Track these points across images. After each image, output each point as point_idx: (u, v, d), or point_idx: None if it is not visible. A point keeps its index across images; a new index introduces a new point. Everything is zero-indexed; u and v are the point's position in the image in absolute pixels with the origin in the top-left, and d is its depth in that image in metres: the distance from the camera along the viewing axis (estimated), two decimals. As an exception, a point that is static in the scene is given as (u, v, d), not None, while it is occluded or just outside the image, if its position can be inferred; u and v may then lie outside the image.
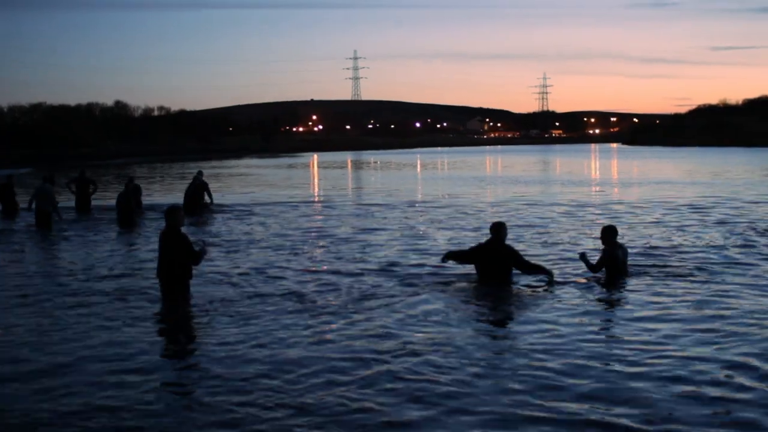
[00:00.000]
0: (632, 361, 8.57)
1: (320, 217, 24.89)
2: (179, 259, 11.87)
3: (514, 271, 13.26)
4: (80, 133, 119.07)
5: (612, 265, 13.24)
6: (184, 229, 12.19)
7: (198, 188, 27.04)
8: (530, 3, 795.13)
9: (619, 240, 13.65)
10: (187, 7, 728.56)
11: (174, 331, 10.63)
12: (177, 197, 29.23)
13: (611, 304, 11.77)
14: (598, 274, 13.32)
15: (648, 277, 13.42)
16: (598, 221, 21.91)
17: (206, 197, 27.09)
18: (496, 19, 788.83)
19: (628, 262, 13.83)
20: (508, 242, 13.51)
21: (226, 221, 23.95)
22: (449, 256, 13.71)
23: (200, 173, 27.95)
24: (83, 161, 79.09)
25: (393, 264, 15.43)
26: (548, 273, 13.25)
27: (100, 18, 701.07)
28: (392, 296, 12.31)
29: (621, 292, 12.40)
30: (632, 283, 12.95)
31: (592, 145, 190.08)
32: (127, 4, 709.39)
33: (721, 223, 21.19)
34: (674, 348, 9.05)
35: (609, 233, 13.32)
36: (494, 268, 13.07)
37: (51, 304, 12.03)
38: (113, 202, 24.97)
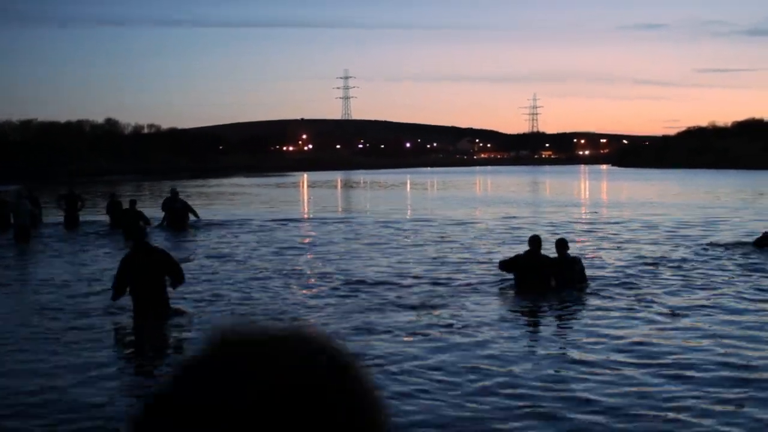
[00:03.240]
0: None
1: (309, 235, 24.86)
2: (162, 276, 11.94)
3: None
4: (71, 150, 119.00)
5: (560, 275, 14.01)
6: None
7: (184, 205, 27.18)
8: (520, 25, 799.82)
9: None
10: (177, 25, 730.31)
11: (150, 347, 10.64)
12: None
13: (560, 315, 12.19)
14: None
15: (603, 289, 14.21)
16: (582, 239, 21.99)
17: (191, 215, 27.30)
18: (486, 41, 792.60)
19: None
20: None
21: (211, 239, 24.00)
22: (502, 265, 14.47)
23: (174, 190, 28.02)
24: (72, 178, 78.98)
25: (375, 279, 15.50)
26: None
27: (91, 34, 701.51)
28: (368, 309, 12.37)
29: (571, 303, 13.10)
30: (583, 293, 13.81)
31: (582, 167, 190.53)
32: (118, 20, 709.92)
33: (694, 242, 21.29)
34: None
35: (559, 245, 14.29)
36: (533, 278, 13.78)
37: (37, 319, 11.96)
38: (100, 218, 25.02)
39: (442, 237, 24.04)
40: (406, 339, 10.52)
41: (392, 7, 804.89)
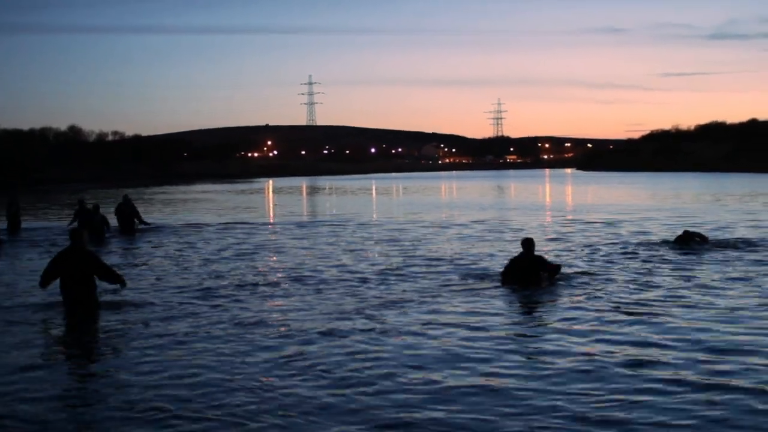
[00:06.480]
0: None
1: (269, 239, 24.64)
2: (89, 276, 12.51)
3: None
4: (34, 158, 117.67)
5: (522, 271, 14.74)
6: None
7: (132, 211, 28.10)
8: (484, 29, 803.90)
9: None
10: (141, 32, 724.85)
11: (86, 347, 10.59)
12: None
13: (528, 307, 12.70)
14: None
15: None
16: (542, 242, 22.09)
17: (136, 221, 28.20)
18: (450, 45, 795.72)
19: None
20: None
21: (164, 243, 24.07)
22: (504, 279, 15.01)
23: (126, 197, 29.02)
24: (36, 186, 78.32)
25: (324, 281, 15.74)
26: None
27: (52, 41, 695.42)
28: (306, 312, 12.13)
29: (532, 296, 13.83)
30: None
31: (547, 171, 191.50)
32: (80, 28, 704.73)
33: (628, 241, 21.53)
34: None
35: (526, 245, 14.99)
36: (528, 277, 14.63)
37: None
38: (49, 224, 25.39)
39: (398, 240, 24.17)
40: (320, 342, 10.46)
41: (356, 12, 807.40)
